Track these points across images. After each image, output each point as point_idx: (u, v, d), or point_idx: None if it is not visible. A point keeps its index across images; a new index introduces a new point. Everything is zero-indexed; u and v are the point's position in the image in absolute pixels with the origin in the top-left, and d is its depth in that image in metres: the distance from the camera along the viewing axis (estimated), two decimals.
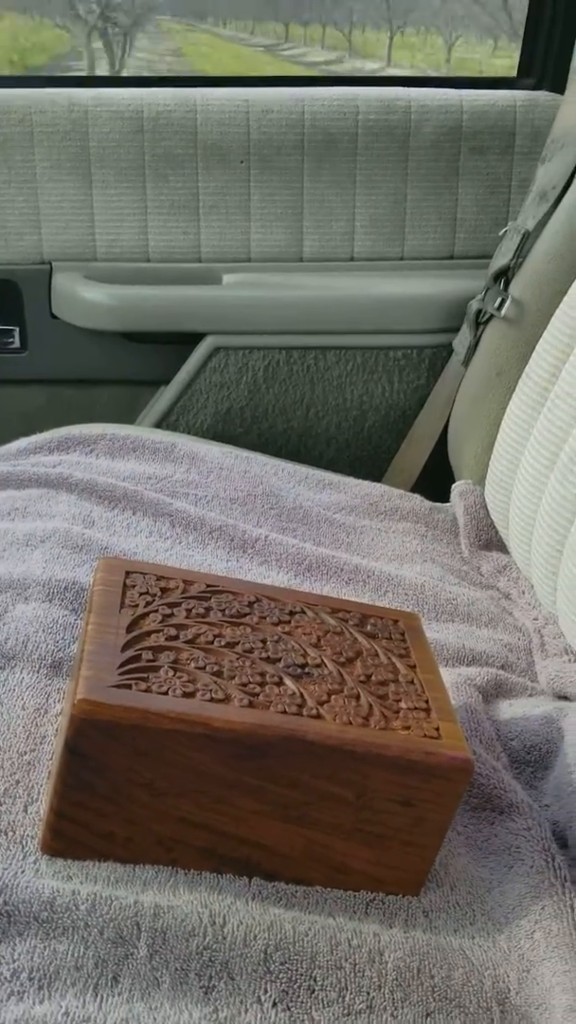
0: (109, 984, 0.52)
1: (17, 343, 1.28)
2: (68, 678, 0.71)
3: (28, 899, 0.54)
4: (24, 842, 0.58)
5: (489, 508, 1.06)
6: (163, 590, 0.64)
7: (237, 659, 0.60)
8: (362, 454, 1.29)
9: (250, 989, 0.53)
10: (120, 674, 0.56)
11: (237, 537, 0.96)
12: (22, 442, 1.09)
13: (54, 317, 1.26)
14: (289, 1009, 0.53)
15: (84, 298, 1.24)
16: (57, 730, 0.66)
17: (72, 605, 0.80)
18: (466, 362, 1.14)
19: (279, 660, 0.61)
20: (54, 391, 1.31)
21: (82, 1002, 0.50)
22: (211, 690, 0.56)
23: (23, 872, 0.56)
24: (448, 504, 1.11)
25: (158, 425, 1.26)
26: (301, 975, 0.54)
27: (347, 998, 0.54)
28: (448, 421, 1.18)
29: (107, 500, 0.97)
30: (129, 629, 0.59)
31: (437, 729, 0.58)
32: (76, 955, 0.52)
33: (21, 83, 1.27)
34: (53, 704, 0.69)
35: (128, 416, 1.29)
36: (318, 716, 0.57)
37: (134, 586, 0.63)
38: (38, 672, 0.71)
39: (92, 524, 0.94)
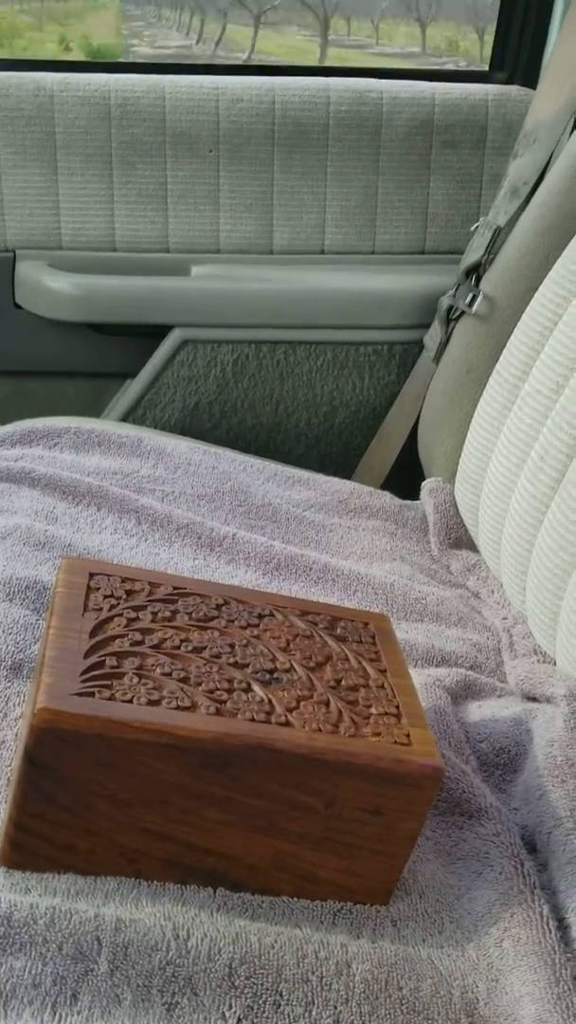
0: (68, 1002, 0.50)
1: None
2: (29, 681, 0.69)
3: None
4: None
5: (459, 506, 1.05)
6: (128, 592, 0.62)
7: (204, 665, 0.58)
8: (332, 451, 1.28)
9: (214, 1005, 0.52)
10: (83, 681, 0.54)
11: (204, 535, 0.94)
12: None
13: (17, 307, 1.24)
14: None
15: (49, 287, 1.21)
16: (17, 735, 0.64)
17: (34, 605, 0.78)
18: (437, 359, 1.13)
19: (247, 665, 0.59)
20: (17, 383, 1.28)
21: (39, 1021, 0.49)
22: (177, 698, 0.55)
23: None
24: (418, 502, 1.10)
25: (124, 419, 1.24)
26: (267, 989, 0.53)
27: (314, 1012, 0.53)
28: (419, 418, 1.17)
29: (71, 495, 0.95)
30: (92, 634, 0.58)
31: (408, 736, 0.57)
32: (34, 972, 0.50)
33: None
34: (13, 708, 0.67)
35: (94, 410, 1.27)
36: (287, 723, 0.55)
37: (98, 588, 0.62)
38: None
39: (55, 520, 0.92)
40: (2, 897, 0.53)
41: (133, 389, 1.24)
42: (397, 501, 1.10)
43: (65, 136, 1.20)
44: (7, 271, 1.23)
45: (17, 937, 0.51)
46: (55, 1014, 0.49)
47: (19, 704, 0.67)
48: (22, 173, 1.21)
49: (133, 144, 1.21)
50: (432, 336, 1.15)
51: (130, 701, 0.53)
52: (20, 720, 0.66)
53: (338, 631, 0.65)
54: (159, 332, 1.23)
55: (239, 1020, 0.51)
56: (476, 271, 1.08)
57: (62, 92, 1.19)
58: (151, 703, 0.54)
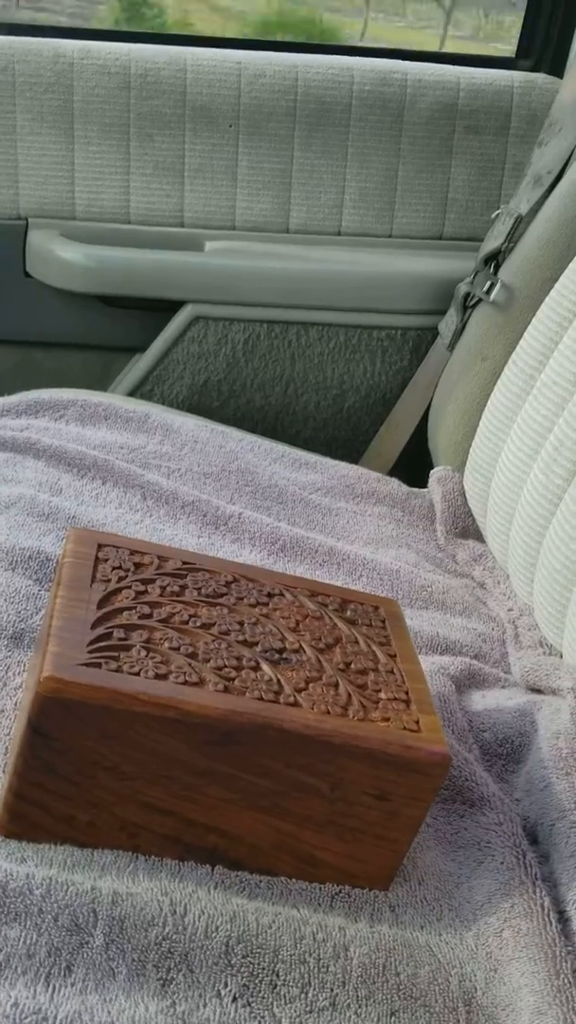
0: (62, 974, 0.49)
1: None
2: (31, 651, 0.68)
3: None
4: None
5: (467, 496, 1.05)
6: (136, 565, 0.61)
7: (212, 641, 0.57)
8: (340, 435, 1.27)
9: (210, 982, 0.51)
10: (89, 652, 0.53)
11: (210, 513, 0.93)
12: None
13: (28, 276, 1.22)
14: (250, 1004, 0.51)
15: (60, 257, 1.19)
16: (17, 705, 0.63)
17: (36, 575, 0.77)
18: (451, 346, 1.12)
19: (256, 644, 0.58)
20: (24, 353, 1.26)
21: (33, 992, 0.48)
22: (185, 673, 0.54)
23: None
24: (426, 490, 1.09)
25: (132, 394, 1.22)
26: (263, 969, 0.52)
27: (310, 994, 0.52)
28: (429, 405, 1.15)
29: (76, 468, 0.94)
30: (100, 605, 0.57)
31: (417, 722, 0.56)
32: (28, 942, 0.50)
33: (4, 31, 1.22)
34: (13, 677, 0.66)
35: (101, 383, 1.25)
36: (295, 704, 0.55)
37: (106, 560, 0.61)
38: None
39: (59, 492, 0.91)
40: None
41: (142, 364, 1.23)
42: (405, 488, 1.09)
43: (83, 105, 1.18)
44: (19, 239, 1.21)
45: (12, 906, 0.50)
46: (48, 985, 0.48)
47: (19, 674, 0.66)
48: (38, 140, 1.19)
49: (152, 116, 1.19)
50: (447, 323, 1.13)
51: (137, 674, 0.52)
52: (20, 690, 0.65)
53: (348, 614, 0.64)
54: (170, 307, 1.21)
55: (235, 998, 0.51)
56: (495, 259, 1.07)
57: (82, 60, 1.17)
58: (158, 677, 0.53)
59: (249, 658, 0.57)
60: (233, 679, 0.55)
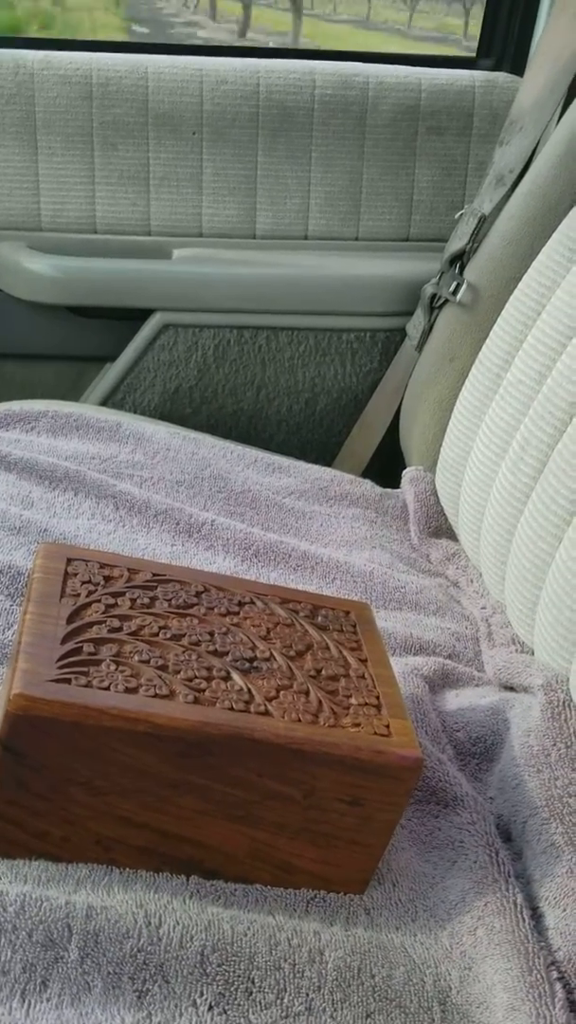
0: (37, 989, 0.49)
1: None
2: (3, 667, 0.68)
3: None
4: None
5: (439, 495, 1.05)
6: (106, 579, 0.61)
7: (183, 652, 0.57)
8: (313, 437, 1.27)
9: (185, 992, 0.51)
10: (59, 667, 0.53)
11: (183, 521, 0.93)
12: None
13: None
14: (226, 1012, 0.51)
15: (27, 269, 1.19)
16: None
17: (8, 590, 0.77)
18: (419, 347, 1.12)
19: (227, 654, 0.59)
20: None
21: (8, 1008, 0.48)
22: (155, 685, 0.54)
23: None
24: (399, 490, 1.10)
25: (104, 403, 1.22)
26: (239, 976, 0.53)
27: (286, 1000, 0.53)
28: (400, 406, 1.16)
29: (47, 480, 0.94)
30: (70, 620, 0.57)
31: (387, 727, 0.57)
32: (3, 959, 0.50)
33: None
34: None
35: (72, 394, 1.25)
36: (266, 713, 0.55)
37: (76, 574, 0.61)
38: None
39: (31, 505, 0.91)
40: None
41: (112, 373, 1.23)
42: (378, 489, 1.09)
43: (45, 115, 1.18)
44: None
45: None
46: (24, 1001, 0.49)
47: None
48: (1, 152, 1.19)
49: (115, 125, 1.19)
50: (415, 324, 1.14)
51: (107, 688, 0.53)
52: None
53: (319, 620, 0.65)
54: (139, 316, 1.21)
55: (210, 1007, 0.51)
56: (460, 259, 1.07)
57: (43, 70, 1.17)
58: (128, 691, 0.53)
59: (219, 668, 0.57)
60: (203, 690, 0.55)
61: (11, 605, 0.75)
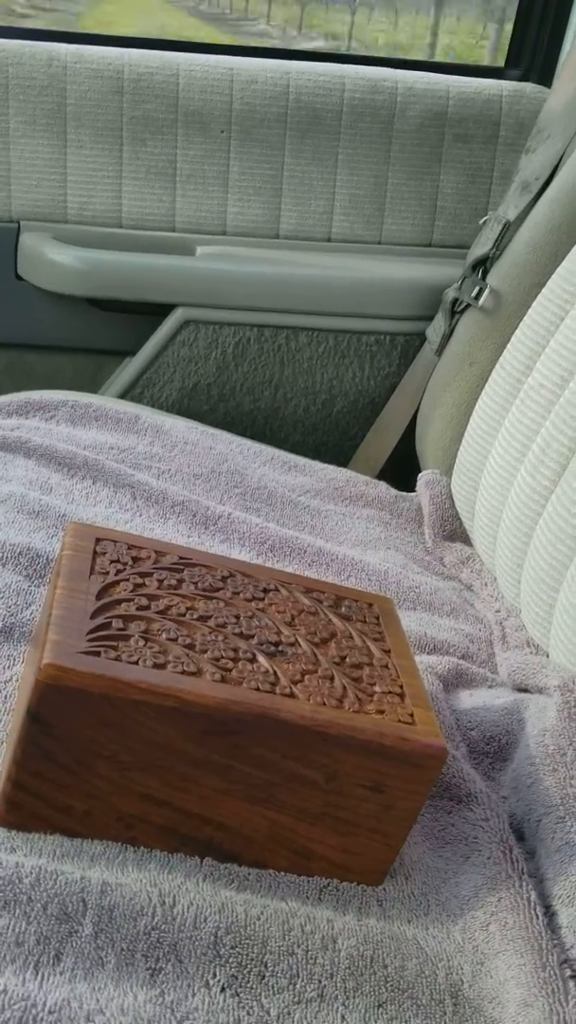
0: (51, 962, 0.49)
1: None
2: (27, 645, 0.68)
3: None
4: None
5: (455, 499, 1.06)
6: (134, 559, 0.62)
7: (209, 633, 0.58)
8: (328, 439, 1.27)
9: (198, 973, 0.51)
10: (89, 641, 0.53)
11: (199, 513, 0.94)
12: None
13: (19, 278, 1.22)
14: (238, 995, 0.51)
15: (52, 260, 1.20)
16: (7, 698, 0.64)
17: (26, 571, 0.77)
18: (439, 351, 1.13)
19: (252, 637, 0.59)
20: (14, 356, 1.26)
21: (22, 979, 0.48)
22: (183, 663, 0.54)
23: None
24: (413, 494, 1.10)
25: (122, 397, 1.23)
26: (251, 960, 0.53)
27: (298, 985, 0.53)
28: (417, 410, 1.17)
29: (66, 467, 0.95)
30: (99, 596, 0.57)
31: (411, 715, 0.57)
32: (17, 930, 0.50)
33: None
34: (2, 670, 0.67)
35: (91, 387, 1.26)
36: (291, 695, 0.55)
37: (104, 553, 0.61)
38: None
39: (50, 491, 0.91)
40: None
41: (132, 367, 1.23)
42: (393, 491, 1.09)
43: (76, 108, 1.19)
44: (10, 242, 1.21)
45: (1, 895, 0.51)
46: (37, 973, 0.49)
47: (8, 667, 0.67)
48: (31, 143, 1.19)
49: (144, 120, 1.20)
50: (435, 328, 1.15)
51: (136, 663, 0.53)
52: (10, 683, 0.65)
53: (343, 610, 0.65)
54: (161, 311, 1.22)
55: (223, 989, 0.51)
56: (483, 264, 1.08)
57: (75, 64, 1.18)
58: (157, 666, 0.53)
59: (245, 650, 0.57)
60: (230, 670, 0.55)
61: (29, 585, 0.75)
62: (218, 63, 1.20)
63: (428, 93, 1.23)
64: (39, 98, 1.18)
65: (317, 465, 1.11)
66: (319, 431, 1.27)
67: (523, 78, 1.29)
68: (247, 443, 1.11)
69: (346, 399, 1.25)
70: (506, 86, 1.25)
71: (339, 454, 1.26)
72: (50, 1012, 0.47)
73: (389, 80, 1.23)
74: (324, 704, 0.55)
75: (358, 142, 1.23)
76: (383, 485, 1.10)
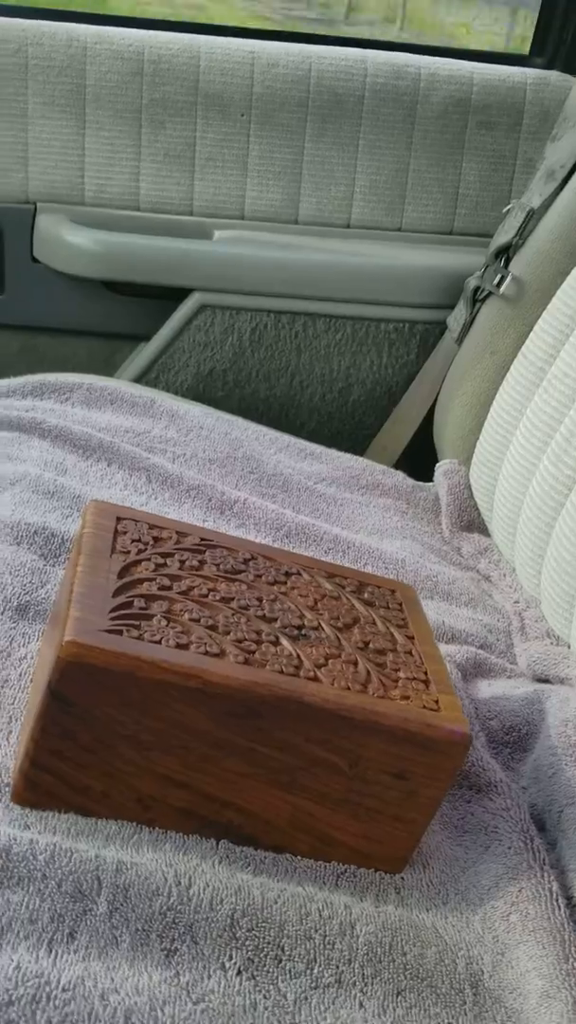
0: (65, 940, 0.49)
1: None
2: (42, 624, 0.68)
3: None
4: None
5: (473, 489, 1.04)
6: (156, 539, 0.61)
7: (232, 615, 0.57)
8: (344, 428, 1.26)
9: (214, 955, 0.51)
10: (111, 619, 0.52)
11: (215, 498, 0.93)
12: None
13: (35, 260, 1.21)
14: (254, 978, 0.50)
15: (68, 242, 1.19)
16: (22, 675, 0.63)
17: (41, 550, 0.76)
18: (460, 339, 1.12)
19: (275, 620, 0.58)
20: (29, 338, 1.25)
21: (35, 956, 0.47)
22: (206, 644, 0.53)
23: None
24: (431, 483, 1.09)
25: (137, 381, 1.22)
26: (268, 943, 0.52)
27: (315, 970, 0.52)
28: (435, 400, 1.15)
29: (81, 449, 0.94)
30: (120, 575, 0.56)
31: (436, 701, 0.56)
32: (31, 907, 0.49)
33: (18, 13, 1.21)
34: (17, 648, 0.66)
35: (105, 371, 1.24)
36: (315, 679, 0.54)
37: (125, 532, 0.60)
38: (2, 615, 0.68)
39: (65, 472, 0.90)
40: (1, 831, 0.52)
41: (147, 351, 1.22)
42: (410, 481, 1.09)
43: (95, 90, 1.18)
44: (27, 223, 1.20)
45: (15, 871, 0.50)
46: (51, 951, 0.48)
47: (24, 645, 0.66)
48: (48, 124, 1.18)
49: (164, 103, 1.19)
50: (456, 317, 1.13)
51: (158, 642, 0.52)
52: (24, 660, 0.64)
53: (365, 595, 0.64)
54: (177, 295, 1.21)
55: (239, 972, 0.50)
56: (506, 252, 1.07)
57: (96, 45, 1.17)
58: (180, 646, 0.52)
59: (268, 633, 0.56)
60: (253, 652, 0.54)
61: (44, 564, 0.75)
62: (239, 46, 1.19)
63: (452, 79, 1.22)
64: (58, 79, 1.17)
65: (333, 453, 1.10)
66: (335, 419, 1.26)
67: (548, 66, 1.27)
68: (263, 429, 1.10)
69: (363, 387, 1.24)
70: (531, 74, 1.24)
71: (355, 443, 1.25)
72: (64, 990, 0.46)
73: (412, 66, 1.22)
74: (348, 689, 0.54)
75: (380, 128, 1.22)
76: (400, 474, 1.09)
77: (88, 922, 0.50)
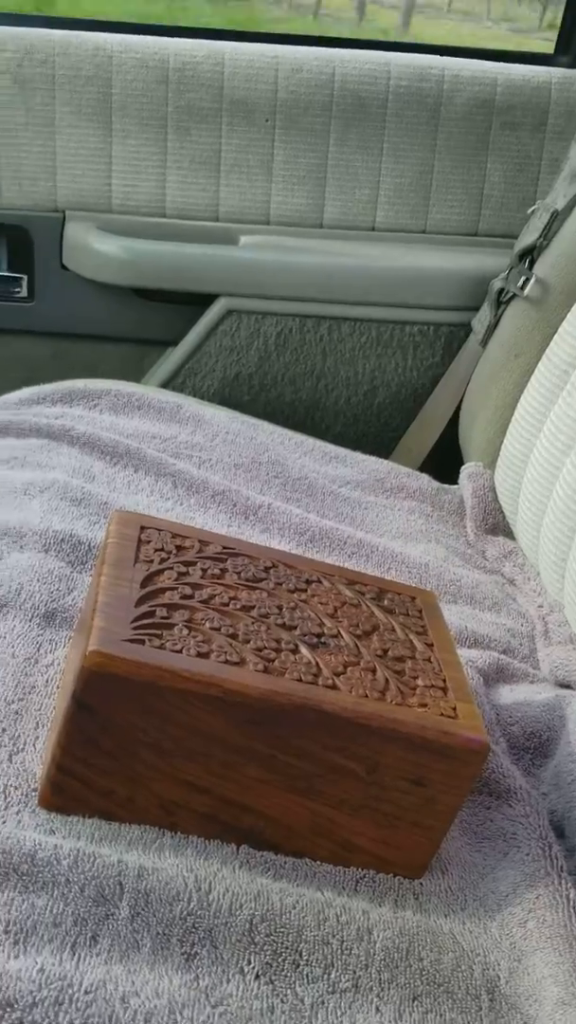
0: (88, 943, 0.50)
1: (24, 292, 1.24)
2: (70, 630, 0.69)
3: (8, 850, 0.52)
4: (7, 792, 0.56)
5: (498, 492, 1.05)
6: (178, 548, 0.62)
7: (252, 623, 0.58)
8: (369, 431, 1.27)
9: (233, 959, 0.52)
10: (134, 628, 0.53)
11: (240, 503, 0.94)
12: (24, 392, 1.07)
13: (64, 268, 1.23)
14: (272, 982, 0.51)
15: (96, 250, 1.20)
16: (48, 681, 0.64)
17: (69, 557, 0.78)
18: (484, 342, 1.12)
19: (295, 628, 0.59)
20: (59, 345, 1.27)
21: (59, 959, 0.48)
22: (226, 652, 0.54)
23: (4, 823, 0.54)
24: (456, 486, 1.09)
25: (164, 386, 1.23)
26: (286, 948, 0.53)
27: (333, 975, 0.53)
28: (460, 402, 1.16)
29: (109, 456, 0.95)
30: (143, 584, 0.57)
31: (454, 709, 0.57)
32: (55, 911, 0.50)
33: (45, 24, 1.23)
34: (44, 654, 0.67)
35: (134, 376, 1.26)
36: (334, 687, 0.55)
37: (149, 541, 0.61)
38: (30, 621, 0.69)
39: (92, 479, 0.91)
40: (27, 835, 0.53)
41: (174, 356, 1.24)
42: (435, 484, 1.09)
43: (121, 98, 1.19)
44: (56, 232, 1.22)
45: (40, 876, 0.51)
46: (74, 954, 0.49)
47: (50, 651, 0.67)
48: (76, 133, 1.20)
49: (189, 110, 1.20)
50: (480, 319, 1.13)
51: (180, 652, 0.53)
52: (51, 667, 0.66)
53: (385, 603, 0.65)
54: (204, 300, 1.22)
55: (257, 976, 0.51)
56: (531, 254, 1.07)
57: (121, 53, 1.18)
58: (200, 655, 0.53)
59: (288, 641, 0.57)
60: (273, 660, 0.55)
61: (71, 572, 0.76)
62: (263, 52, 1.20)
63: (475, 80, 1.22)
64: (85, 88, 1.19)
65: (358, 456, 1.11)
66: (361, 422, 1.26)
67: (572, 65, 1.27)
68: (288, 433, 1.11)
69: (388, 390, 1.24)
70: (555, 73, 1.23)
71: (380, 446, 1.25)
72: (86, 992, 0.47)
73: (436, 67, 1.22)
74: (366, 696, 0.55)
75: (404, 130, 1.22)
76: (425, 477, 1.10)
77: (110, 926, 0.51)
